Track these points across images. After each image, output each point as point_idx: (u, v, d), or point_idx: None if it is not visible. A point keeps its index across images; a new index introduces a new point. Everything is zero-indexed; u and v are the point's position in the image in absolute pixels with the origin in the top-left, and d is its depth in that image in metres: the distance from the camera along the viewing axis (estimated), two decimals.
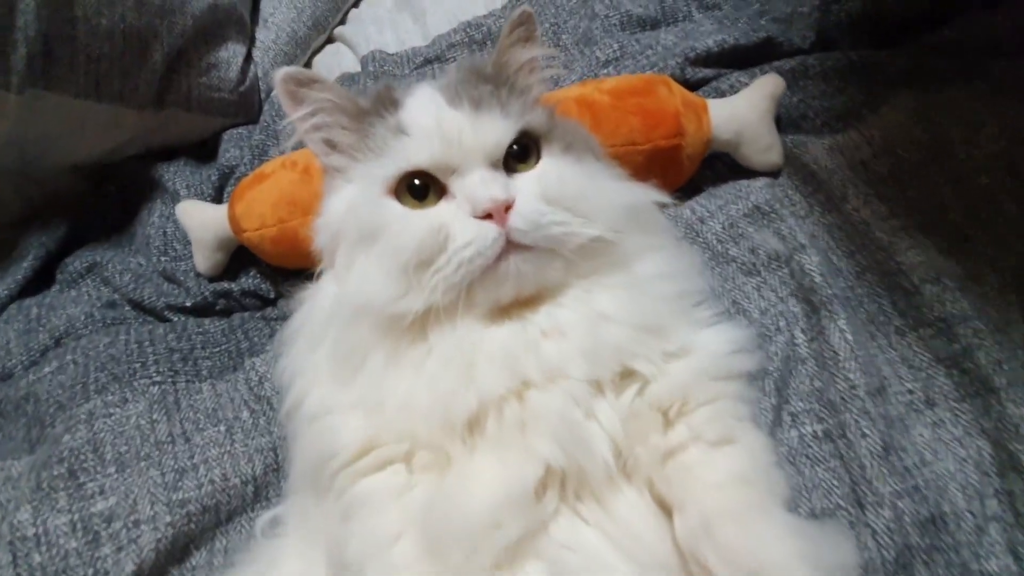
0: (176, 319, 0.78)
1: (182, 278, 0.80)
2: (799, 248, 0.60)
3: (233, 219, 0.72)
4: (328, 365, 0.46)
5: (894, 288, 0.58)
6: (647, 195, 0.50)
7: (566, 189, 0.44)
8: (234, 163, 0.84)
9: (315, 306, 0.50)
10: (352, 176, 0.48)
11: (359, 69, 0.94)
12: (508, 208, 0.42)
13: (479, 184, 0.42)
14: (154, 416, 0.63)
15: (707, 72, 0.73)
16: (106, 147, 0.85)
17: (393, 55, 0.91)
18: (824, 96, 0.69)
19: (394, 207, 0.44)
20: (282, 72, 0.47)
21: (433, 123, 0.44)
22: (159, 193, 0.87)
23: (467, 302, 0.43)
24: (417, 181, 0.44)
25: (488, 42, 0.87)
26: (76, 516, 0.56)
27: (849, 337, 0.54)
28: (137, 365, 0.68)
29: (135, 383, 0.66)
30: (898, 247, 0.59)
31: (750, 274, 0.62)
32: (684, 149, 0.64)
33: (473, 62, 0.50)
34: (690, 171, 0.68)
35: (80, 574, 0.53)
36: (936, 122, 0.63)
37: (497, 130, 0.44)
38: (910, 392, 0.54)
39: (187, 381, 0.67)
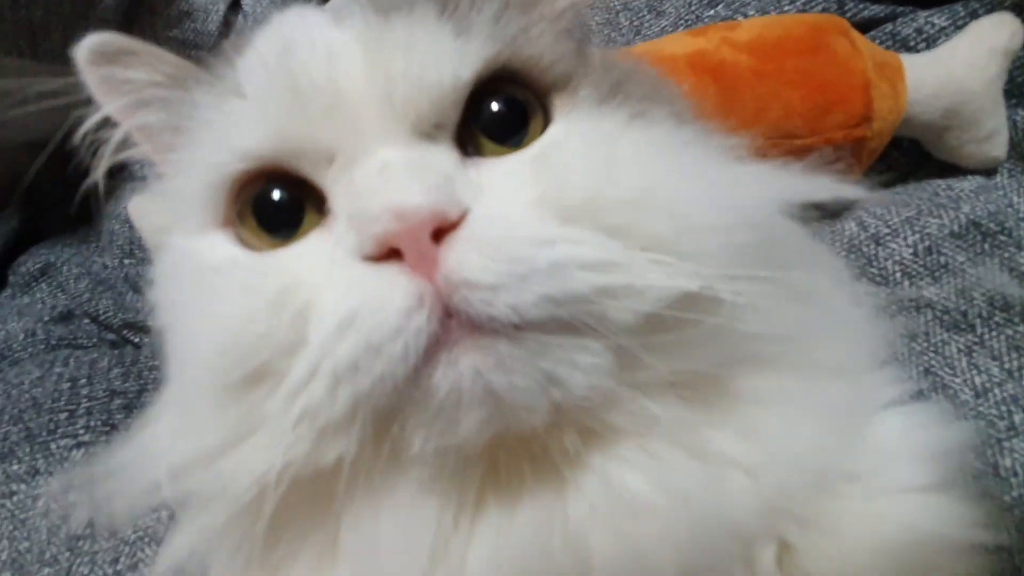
0: (138, 340, 0.65)
1: (147, 288, 0.65)
2: None
3: None
4: None
5: None
6: (808, 190, 0.26)
7: (608, 180, 0.21)
8: None
9: None
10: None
11: None
12: (445, 231, 0.20)
13: (373, 176, 0.21)
14: (72, 496, 0.47)
15: (876, 9, 0.49)
16: (57, 119, 0.69)
17: None
18: None
19: (219, 251, 0.24)
20: (85, 45, 0.28)
21: (280, 60, 0.23)
22: (127, 178, 0.72)
23: (395, 455, 0.21)
24: (276, 193, 0.23)
25: None
26: None
27: None
28: (63, 415, 0.53)
29: (53, 444, 0.50)
30: None
31: (957, 329, 0.41)
32: (868, 142, 0.40)
33: None
34: (863, 170, 0.44)
35: None
36: None
37: (427, 47, 0.22)
38: None
39: None
